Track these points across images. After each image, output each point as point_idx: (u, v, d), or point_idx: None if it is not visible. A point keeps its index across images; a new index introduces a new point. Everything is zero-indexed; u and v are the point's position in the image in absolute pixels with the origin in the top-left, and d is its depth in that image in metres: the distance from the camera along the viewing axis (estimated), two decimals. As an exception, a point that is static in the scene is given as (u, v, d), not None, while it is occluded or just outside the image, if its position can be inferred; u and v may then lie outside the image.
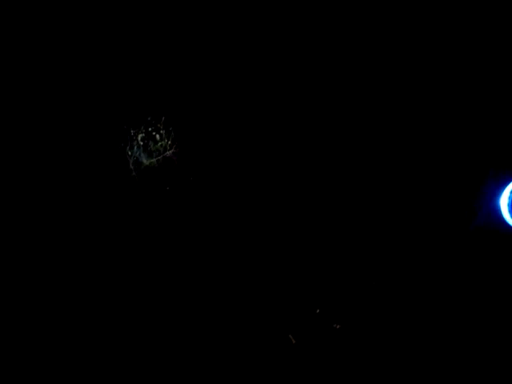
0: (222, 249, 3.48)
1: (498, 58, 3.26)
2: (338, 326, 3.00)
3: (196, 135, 3.95)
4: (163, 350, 3.23)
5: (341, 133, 3.60)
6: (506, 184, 3.04)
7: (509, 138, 3.14)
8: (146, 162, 3.92)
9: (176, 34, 3.93)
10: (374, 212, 3.31)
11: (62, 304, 3.46)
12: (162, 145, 3.96)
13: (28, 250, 3.61)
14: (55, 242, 3.66)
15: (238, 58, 3.91)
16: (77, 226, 3.72)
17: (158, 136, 3.97)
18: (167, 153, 3.93)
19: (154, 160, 3.91)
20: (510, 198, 3.00)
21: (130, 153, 3.88)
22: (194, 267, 3.46)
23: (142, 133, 3.97)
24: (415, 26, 3.54)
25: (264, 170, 3.72)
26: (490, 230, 3.04)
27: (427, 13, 3.53)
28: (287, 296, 3.16)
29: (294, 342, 2.93)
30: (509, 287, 2.97)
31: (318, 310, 3.07)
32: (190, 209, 3.75)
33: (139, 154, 3.93)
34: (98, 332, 3.36)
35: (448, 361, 2.91)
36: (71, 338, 3.36)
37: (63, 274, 3.58)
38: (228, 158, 3.85)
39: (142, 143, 3.95)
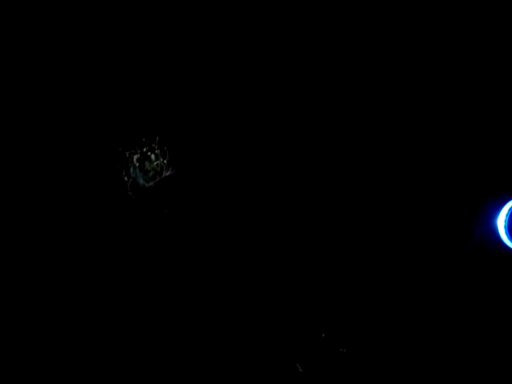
0: (222, 272, 3.54)
1: (499, 75, 3.25)
2: (344, 350, 3.11)
3: (192, 154, 3.93)
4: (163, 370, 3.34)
5: (338, 140, 3.60)
6: (503, 205, 3.11)
7: (506, 159, 3.17)
8: (143, 183, 3.91)
9: (166, 52, 3.83)
10: (369, 232, 3.38)
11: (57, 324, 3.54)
12: (158, 164, 3.95)
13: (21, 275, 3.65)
14: (55, 265, 3.70)
15: (231, 72, 3.84)
16: (75, 249, 3.75)
17: (153, 156, 3.95)
18: (164, 173, 3.92)
19: (151, 182, 3.90)
20: (506, 219, 3.07)
21: (126, 178, 3.87)
22: (193, 292, 3.52)
23: (137, 154, 3.94)
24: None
25: (264, 188, 3.74)
26: (488, 250, 3.13)
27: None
28: (290, 322, 3.25)
29: (301, 370, 3.05)
30: (506, 307, 3.09)
31: (323, 335, 3.18)
32: (189, 230, 3.78)
33: (136, 175, 3.92)
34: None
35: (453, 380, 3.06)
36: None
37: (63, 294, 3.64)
38: (226, 176, 3.85)
39: (137, 164, 3.93)
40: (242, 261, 3.53)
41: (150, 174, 3.93)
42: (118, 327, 3.51)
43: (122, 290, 3.63)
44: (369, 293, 3.29)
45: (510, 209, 3.08)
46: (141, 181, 3.92)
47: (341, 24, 3.60)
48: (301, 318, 3.28)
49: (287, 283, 3.39)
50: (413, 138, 3.39)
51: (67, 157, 3.82)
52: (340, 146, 3.58)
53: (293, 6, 3.67)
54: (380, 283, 3.29)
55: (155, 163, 3.95)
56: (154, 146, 3.96)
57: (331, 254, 3.42)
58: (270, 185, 3.71)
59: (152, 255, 3.72)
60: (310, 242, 3.48)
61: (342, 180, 3.51)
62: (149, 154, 3.96)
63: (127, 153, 3.92)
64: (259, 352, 3.21)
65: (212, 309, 3.41)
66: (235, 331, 3.30)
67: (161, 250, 3.73)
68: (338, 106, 3.62)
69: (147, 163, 3.94)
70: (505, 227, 3.06)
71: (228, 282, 3.50)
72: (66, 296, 3.62)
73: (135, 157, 3.94)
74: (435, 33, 3.44)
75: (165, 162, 3.95)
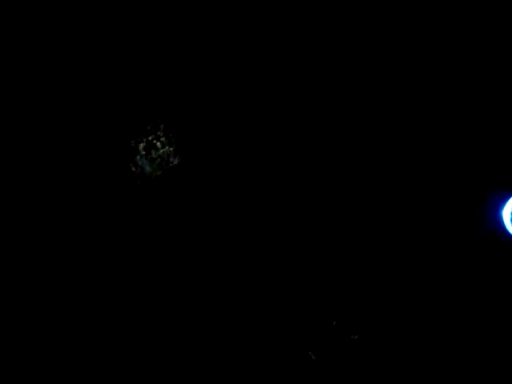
0: (230, 261, 3.61)
1: (500, 72, 3.24)
2: (356, 337, 3.24)
3: (198, 141, 3.91)
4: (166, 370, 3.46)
5: (341, 141, 3.61)
6: (508, 196, 3.18)
7: (511, 151, 3.22)
8: (149, 171, 3.91)
9: (169, 39, 3.74)
10: (376, 224, 3.45)
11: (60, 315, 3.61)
12: (164, 152, 3.93)
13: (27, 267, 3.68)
14: (60, 256, 3.73)
15: (234, 59, 3.77)
16: (83, 239, 3.78)
17: (159, 144, 3.93)
18: (171, 160, 3.92)
19: (158, 171, 3.90)
20: (512, 210, 3.16)
21: (134, 168, 3.86)
22: (201, 281, 3.59)
23: (142, 142, 3.92)
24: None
25: (270, 174, 3.75)
26: (493, 241, 3.22)
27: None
28: (301, 311, 3.36)
29: (314, 358, 3.18)
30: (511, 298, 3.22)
31: (334, 322, 3.30)
32: (196, 218, 3.82)
33: (142, 164, 3.91)
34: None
35: (460, 370, 3.21)
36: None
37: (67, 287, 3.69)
38: (232, 163, 3.86)
39: (143, 152, 3.91)
40: (252, 247, 3.59)
41: (157, 161, 3.92)
42: (124, 310, 3.59)
43: (130, 279, 3.69)
44: (378, 280, 3.40)
45: (516, 200, 3.16)
46: (147, 169, 3.91)
47: (341, 24, 3.54)
48: (312, 307, 3.38)
49: (298, 271, 3.48)
50: (416, 128, 3.40)
51: (72, 148, 3.79)
52: (341, 143, 3.59)
53: (293, 6, 3.59)
54: (389, 271, 3.39)
55: (161, 151, 3.93)
56: (159, 133, 3.94)
57: (342, 241, 3.50)
58: (278, 172, 3.73)
59: (161, 245, 3.77)
60: (321, 228, 3.55)
61: (346, 170, 3.54)
62: (154, 141, 3.93)
63: (133, 141, 3.90)
64: (272, 341, 3.33)
65: (222, 296, 3.50)
66: (247, 320, 3.41)
67: (169, 240, 3.77)
68: (338, 105, 3.61)
69: (153, 151, 3.92)
70: (511, 219, 3.14)
71: (238, 269, 3.58)
72: (72, 280, 3.67)
73: (141, 145, 3.92)
74: (435, 33, 3.40)
75: (171, 149, 3.94)
